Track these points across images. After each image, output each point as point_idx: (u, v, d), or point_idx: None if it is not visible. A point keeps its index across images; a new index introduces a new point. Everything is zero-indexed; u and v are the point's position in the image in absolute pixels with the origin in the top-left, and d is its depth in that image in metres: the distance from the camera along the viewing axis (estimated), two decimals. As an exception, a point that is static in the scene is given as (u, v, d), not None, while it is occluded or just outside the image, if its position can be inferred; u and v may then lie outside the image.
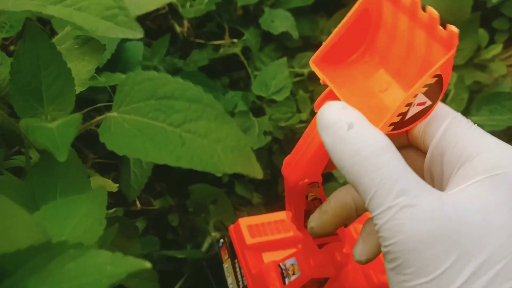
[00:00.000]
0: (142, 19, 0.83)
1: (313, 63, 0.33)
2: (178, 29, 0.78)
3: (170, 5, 0.79)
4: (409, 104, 0.30)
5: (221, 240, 0.53)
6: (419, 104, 0.31)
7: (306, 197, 0.39)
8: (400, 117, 0.30)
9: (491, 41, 0.81)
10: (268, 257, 0.47)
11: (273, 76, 0.70)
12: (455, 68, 0.73)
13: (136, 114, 0.31)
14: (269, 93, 0.69)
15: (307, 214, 0.40)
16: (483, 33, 0.78)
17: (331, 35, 0.34)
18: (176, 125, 0.31)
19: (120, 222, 0.36)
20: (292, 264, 0.43)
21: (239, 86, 0.81)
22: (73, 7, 0.30)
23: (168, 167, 0.69)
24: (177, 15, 0.79)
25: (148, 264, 0.20)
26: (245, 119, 0.67)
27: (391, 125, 0.30)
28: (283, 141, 0.69)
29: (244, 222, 0.49)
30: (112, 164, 0.62)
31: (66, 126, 0.30)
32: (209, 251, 0.58)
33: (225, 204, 0.59)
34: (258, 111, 0.72)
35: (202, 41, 0.79)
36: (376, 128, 0.29)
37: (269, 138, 0.67)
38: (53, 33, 0.47)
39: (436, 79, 0.30)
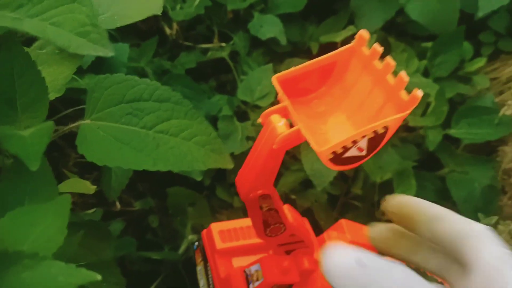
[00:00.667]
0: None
1: (276, 80, 0.35)
2: (167, 31, 0.79)
3: (160, 7, 0.80)
4: (354, 142, 0.32)
5: (196, 243, 0.54)
6: (359, 149, 0.33)
7: (261, 207, 0.40)
8: (342, 150, 0.32)
9: (477, 54, 0.82)
10: (238, 262, 0.48)
11: (258, 82, 0.71)
12: (437, 80, 0.75)
13: (109, 120, 0.32)
14: (254, 99, 0.70)
15: (266, 224, 0.41)
16: (467, 46, 0.79)
17: (299, 66, 0.37)
18: (149, 127, 0.32)
19: (92, 225, 0.37)
20: (257, 270, 0.44)
21: (226, 89, 0.82)
22: (49, 22, 0.31)
23: (150, 169, 0.70)
24: (167, 17, 0.80)
25: (98, 277, 0.22)
26: (229, 124, 0.68)
27: (333, 153, 0.32)
28: (265, 146, 0.70)
29: (216, 227, 0.50)
30: (94, 164, 0.63)
31: (39, 134, 0.31)
32: (186, 253, 0.59)
33: (203, 208, 0.60)
34: (242, 116, 0.73)
35: (190, 44, 0.80)
36: (384, 258, 0.29)
37: (251, 143, 0.68)
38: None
39: (384, 130, 0.33)
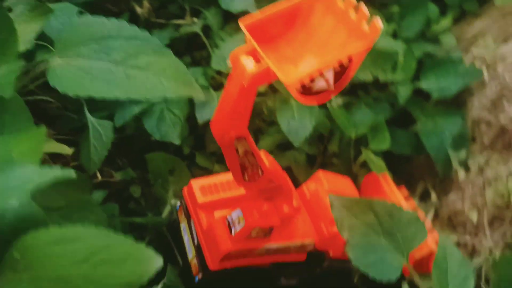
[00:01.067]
0: (103, 2, 0.84)
1: (244, 25, 0.36)
2: (138, 10, 0.80)
3: (130, -14, 0.81)
4: (321, 74, 0.34)
5: (178, 203, 0.55)
6: (326, 81, 0.35)
7: (237, 151, 0.41)
8: (310, 82, 0.34)
9: (444, 16, 0.84)
10: (220, 214, 0.49)
11: (231, 51, 0.72)
12: (406, 41, 0.76)
13: (79, 57, 0.33)
14: (228, 68, 0.71)
15: (243, 168, 0.43)
16: (432, 7, 0.81)
17: (265, 9, 0.38)
18: (118, 63, 0.33)
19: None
20: (238, 216, 0.45)
21: (201, 65, 0.83)
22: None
23: (129, 140, 0.71)
24: (137, -4, 0.80)
25: (72, 174, 0.22)
26: (204, 93, 0.68)
27: (302, 86, 0.34)
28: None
29: (197, 183, 0.51)
30: (72, 140, 0.64)
31: (9, 69, 0.32)
32: (170, 218, 0.60)
33: (183, 172, 0.61)
34: (219, 86, 0.74)
35: (163, 21, 0.81)
36: None
37: (228, 110, 0.69)
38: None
39: (348, 62, 0.34)
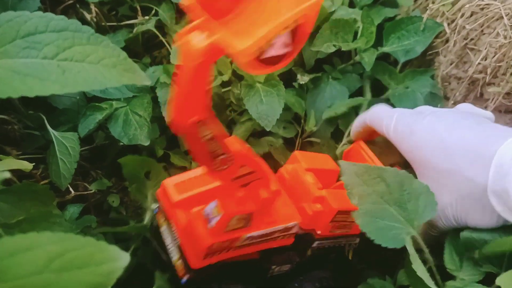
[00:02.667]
0: (51, 12, 0.81)
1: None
2: (87, 16, 0.77)
3: (76, -6, 0.78)
4: (277, 36, 0.32)
5: (156, 207, 0.53)
6: (283, 43, 0.33)
7: (202, 137, 0.39)
8: (267, 47, 0.32)
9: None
10: (198, 210, 0.48)
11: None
12: (363, 8, 0.75)
13: (6, 57, 0.31)
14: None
15: (213, 155, 0.41)
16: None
17: None
18: (51, 57, 0.31)
19: (29, 188, 0.35)
20: (215, 207, 0.43)
21: (161, 64, 0.81)
22: None
23: (101, 151, 0.68)
24: (85, 3, 0.78)
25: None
26: (167, 90, 0.67)
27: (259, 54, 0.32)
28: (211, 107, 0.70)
29: (170, 182, 0.49)
30: (38, 159, 0.61)
31: None
32: (153, 223, 0.58)
33: (160, 174, 0.59)
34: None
35: (115, 23, 0.78)
36: None
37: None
38: None
39: (304, 19, 0.32)
